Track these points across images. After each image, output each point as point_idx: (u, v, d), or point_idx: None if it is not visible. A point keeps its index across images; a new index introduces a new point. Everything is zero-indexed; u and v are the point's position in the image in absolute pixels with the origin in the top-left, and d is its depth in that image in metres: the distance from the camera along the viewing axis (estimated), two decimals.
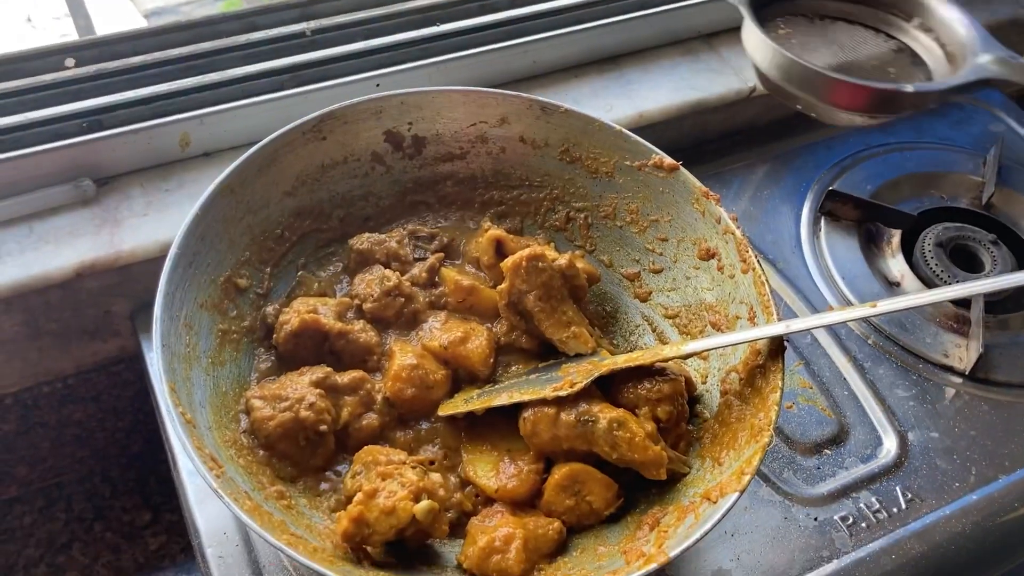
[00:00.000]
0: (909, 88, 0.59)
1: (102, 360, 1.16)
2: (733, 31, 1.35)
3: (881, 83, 0.64)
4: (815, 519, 0.94)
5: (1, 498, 1.25)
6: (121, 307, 1.09)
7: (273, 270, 0.94)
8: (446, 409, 0.87)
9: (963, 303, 1.12)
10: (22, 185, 1.03)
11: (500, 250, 0.96)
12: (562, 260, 0.91)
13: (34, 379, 1.14)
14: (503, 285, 0.91)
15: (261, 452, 0.82)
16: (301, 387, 0.84)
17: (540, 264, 0.90)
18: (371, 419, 0.86)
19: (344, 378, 0.86)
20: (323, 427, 0.83)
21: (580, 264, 0.95)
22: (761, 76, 0.61)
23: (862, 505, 0.96)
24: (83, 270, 1.00)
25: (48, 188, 1.04)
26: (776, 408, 0.78)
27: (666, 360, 0.85)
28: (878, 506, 0.96)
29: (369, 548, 0.76)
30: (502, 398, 0.85)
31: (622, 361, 0.85)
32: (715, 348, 0.87)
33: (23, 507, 1.25)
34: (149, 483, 1.30)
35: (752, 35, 0.62)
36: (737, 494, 0.73)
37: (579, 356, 0.90)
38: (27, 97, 1.05)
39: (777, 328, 0.81)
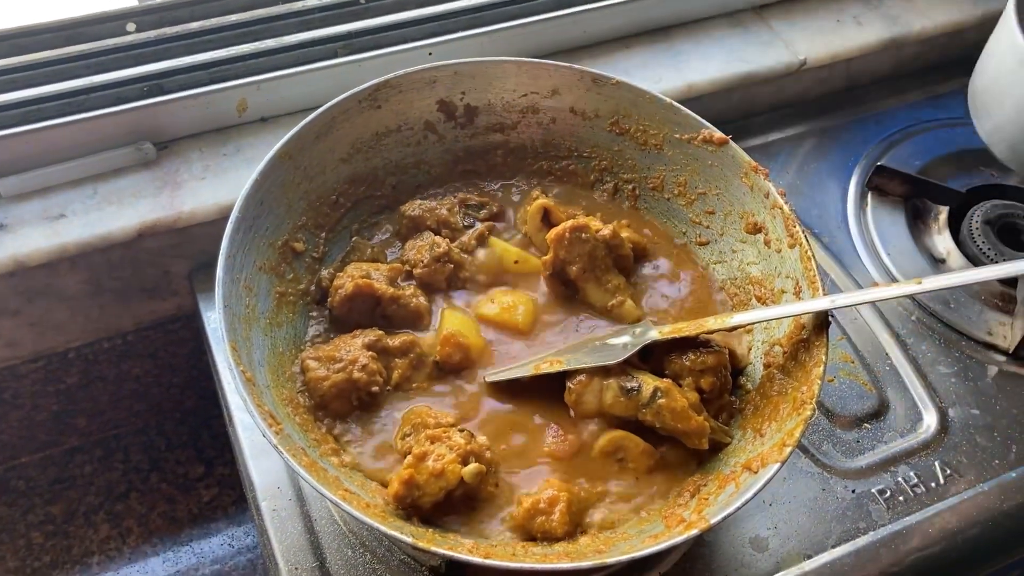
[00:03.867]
0: None
1: (159, 318, 1.20)
2: (784, 2, 1.35)
3: None
4: (853, 491, 0.95)
5: (63, 447, 1.30)
6: (179, 267, 1.12)
7: (328, 235, 0.96)
8: (493, 376, 0.89)
9: (1009, 282, 1.12)
10: (87, 147, 1.06)
11: (547, 219, 0.98)
12: (606, 230, 0.93)
13: (95, 335, 1.18)
14: (547, 256, 0.92)
15: (319, 412, 0.85)
16: (354, 349, 0.86)
17: (583, 235, 0.91)
18: (420, 381, 0.89)
19: (395, 341, 0.89)
20: (375, 388, 0.85)
21: (626, 234, 0.96)
22: None
23: (900, 479, 0.97)
24: (144, 230, 1.03)
25: (111, 151, 1.07)
26: (819, 382, 0.78)
27: (711, 332, 0.86)
28: (916, 480, 0.97)
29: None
30: (547, 366, 0.87)
31: (667, 332, 0.87)
32: (760, 321, 0.88)
33: (83, 456, 1.30)
34: (202, 437, 1.34)
35: None
36: (778, 465, 0.73)
37: (624, 326, 0.92)
38: (91, 61, 1.08)
39: (822, 303, 0.82)
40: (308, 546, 0.90)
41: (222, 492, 1.28)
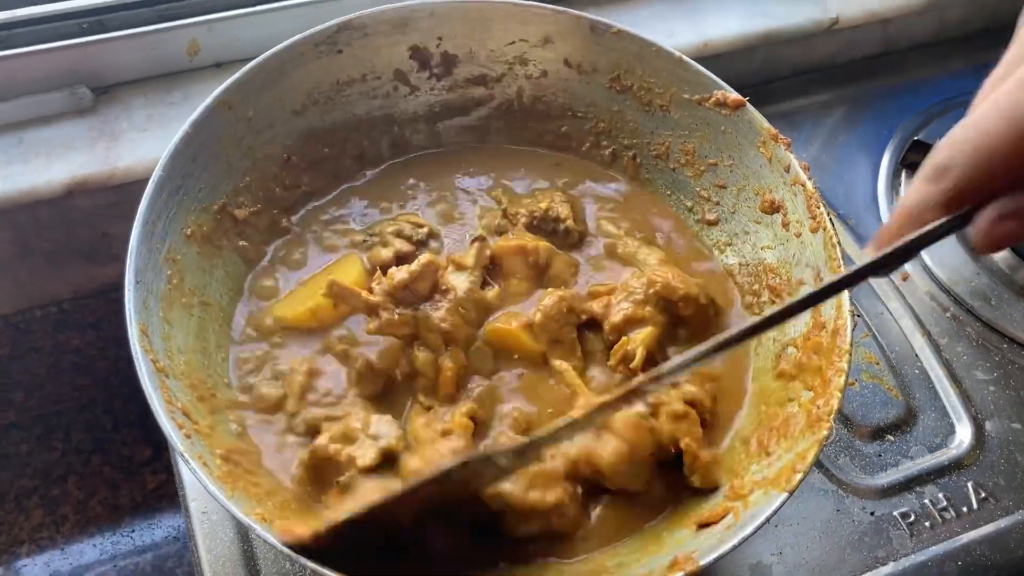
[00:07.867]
0: None
1: (100, 285, 1.10)
2: None
3: None
4: (871, 514, 0.85)
5: None
6: (120, 229, 1.00)
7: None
8: None
9: None
10: (12, 89, 0.95)
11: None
12: (542, 253, 0.83)
13: (27, 302, 1.09)
14: (539, 347, 0.79)
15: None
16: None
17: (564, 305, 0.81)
18: None
19: None
20: None
21: (564, 211, 0.87)
22: None
23: (927, 501, 0.86)
24: (74, 187, 0.93)
25: (41, 94, 0.96)
26: (839, 395, 0.68)
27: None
28: (945, 503, 0.86)
29: None
30: None
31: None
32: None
33: (20, 433, 1.21)
34: (152, 418, 1.23)
35: None
36: (786, 495, 0.63)
37: None
38: None
39: None
40: (240, 556, 0.79)
41: (169, 478, 1.19)
